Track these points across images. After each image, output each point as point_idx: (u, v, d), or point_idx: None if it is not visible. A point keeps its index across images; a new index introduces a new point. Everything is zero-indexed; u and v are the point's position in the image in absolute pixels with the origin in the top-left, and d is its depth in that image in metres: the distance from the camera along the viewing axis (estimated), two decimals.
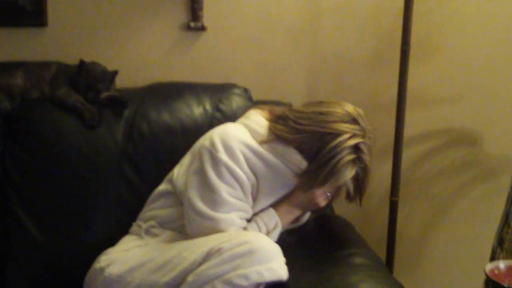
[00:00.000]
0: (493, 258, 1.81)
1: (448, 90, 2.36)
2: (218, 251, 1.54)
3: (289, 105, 2.15)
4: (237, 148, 1.70)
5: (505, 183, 2.28)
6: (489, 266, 1.63)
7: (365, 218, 2.47)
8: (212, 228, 1.66)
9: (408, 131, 2.26)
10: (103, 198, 1.97)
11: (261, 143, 1.75)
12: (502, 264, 1.65)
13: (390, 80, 2.29)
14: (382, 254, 2.28)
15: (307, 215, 1.96)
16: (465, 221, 2.48)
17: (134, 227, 1.87)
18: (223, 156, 1.69)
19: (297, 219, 1.89)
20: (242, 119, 1.86)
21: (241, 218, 1.71)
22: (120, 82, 2.13)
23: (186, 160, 1.83)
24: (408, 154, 2.35)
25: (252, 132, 1.78)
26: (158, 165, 1.98)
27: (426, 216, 2.51)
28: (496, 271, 1.62)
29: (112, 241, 1.85)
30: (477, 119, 2.37)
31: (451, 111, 2.38)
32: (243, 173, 1.70)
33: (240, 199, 1.71)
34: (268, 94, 2.31)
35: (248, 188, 1.73)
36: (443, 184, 2.46)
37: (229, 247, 1.54)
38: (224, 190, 1.68)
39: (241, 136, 1.74)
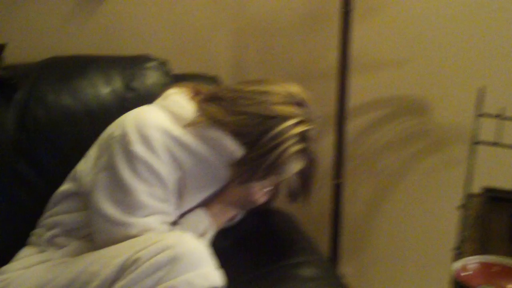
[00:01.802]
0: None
1: (394, 54, 2.15)
2: (135, 262, 1.28)
3: (215, 80, 1.92)
4: (156, 138, 1.43)
5: (457, 154, 2.17)
6: (456, 265, 1.40)
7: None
8: (125, 235, 1.39)
9: (350, 101, 2.04)
10: None
11: (186, 127, 1.48)
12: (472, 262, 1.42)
13: (329, 44, 2.07)
14: (325, 241, 2.11)
15: (242, 212, 1.69)
16: (415, 196, 2.30)
17: (33, 237, 1.58)
18: (138, 148, 1.41)
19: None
20: (160, 100, 1.57)
21: (162, 223, 1.44)
22: (9, 57, 1.83)
23: (92, 152, 1.54)
24: (350, 127, 2.15)
25: (173, 115, 1.50)
26: (60, 159, 1.69)
27: (372, 194, 2.33)
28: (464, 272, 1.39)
29: (7, 255, 1.55)
30: (426, 85, 2.16)
31: (398, 77, 2.17)
32: (164, 168, 1.43)
33: (161, 200, 1.44)
34: (189, 66, 2.06)
35: (171, 185, 1.46)
36: (390, 158, 2.26)
37: (147, 256, 1.27)
38: (140, 190, 1.41)
39: (159, 122, 1.46)
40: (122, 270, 1.28)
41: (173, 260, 1.26)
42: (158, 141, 1.42)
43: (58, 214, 1.55)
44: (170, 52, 2.01)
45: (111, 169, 1.42)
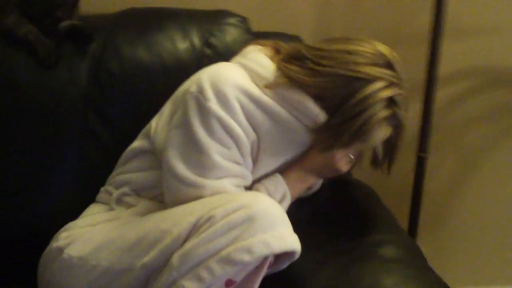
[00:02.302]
0: None
1: (493, 20, 2.00)
2: (209, 220, 1.21)
3: (298, 39, 1.79)
4: (233, 96, 1.33)
5: None
6: None
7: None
8: (198, 197, 1.31)
9: (440, 68, 1.89)
10: (64, 157, 1.61)
11: (266, 88, 1.38)
12: None
13: (422, 3, 1.92)
14: (404, 215, 1.99)
15: (320, 181, 1.59)
16: (503, 176, 2.17)
17: (102, 194, 1.53)
18: (214, 105, 1.32)
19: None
20: (239, 58, 1.47)
21: (236, 186, 1.36)
22: (85, 7, 1.75)
23: (166, 109, 1.46)
24: (438, 96, 1.97)
25: (253, 74, 1.40)
26: (133, 115, 1.62)
27: (456, 170, 2.20)
28: None
29: (76, 211, 1.51)
30: None
31: (495, 45, 2.02)
32: (240, 128, 1.34)
33: (235, 162, 1.36)
34: (270, 24, 1.93)
35: (247, 148, 1.37)
36: (478, 133, 2.13)
37: (223, 214, 1.21)
38: (214, 150, 1.32)
39: (238, 80, 1.36)
40: (196, 228, 1.22)
41: (249, 219, 1.20)
42: (235, 100, 1.34)
43: (128, 172, 1.49)
44: (250, 9, 1.90)
45: (185, 126, 1.34)
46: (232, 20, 1.73)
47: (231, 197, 1.26)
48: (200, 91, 1.33)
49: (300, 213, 1.45)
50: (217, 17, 1.73)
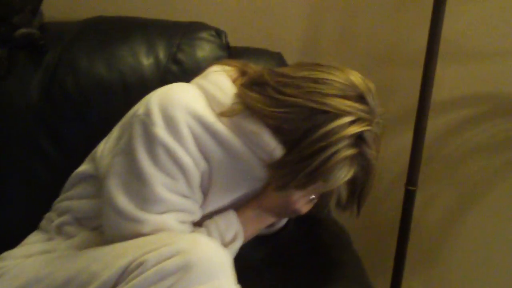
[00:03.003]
0: None
1: (495, 43, 1.84)
2: (140, 266, 1.09)
3: (279, 58, 1.68)
4: (183, 121, 1.20)
5: None
6: None
7: (374, 199, 1.99)
8: (137, 233, 1.19)
9: (437, 93, 1.76)
10: (9, 177, 1.51)
11: (221, 115, 1.25)
12: None
13: (418, 25, 1.78)
14: (391, 250, 1.86)
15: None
16: (502, 213, 2.01)
17: (45, 221, 1.41)
18: (161, 131, 1.19)
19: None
20: (199, 79, 1.34)
21: (182, 222, 1.23)
22: (50, 13, 1.66)
23: (115, 132, 1.34)
24: (433, 124, 1.87)
25: (210, 98, 1.27)
26: (87, 135, 1.49)
27: (450, 205, 2.05)
28: None
29: (21, 236, 1.39)
30: None
31: (497, 70, 1.87)
32: (189, 157, 1.21)
33: (182, 195, 1.23)
34: (252, 39, 1.82)
35: (196, 179, 1.24)
36: (477, 165, 1.97)
37: (156, 260, 1.08)
38: (158, 181, 1.19)
39: (190, 104, 1.23)
40: (126, 274, 1.10)
41: (184, 268, 1.07)
42: (186, 126, 1.20)
43: (72, 198, 1.38)
44: (230, 21, 1.80)
45: (128, 153, 1.21)
46: (204, 34, 1.61)
47: (168, 240, 1.13)
48: (147, 114, 1.21)
49: (256, 253, 1.35)
50: (188, 30, 1.61)
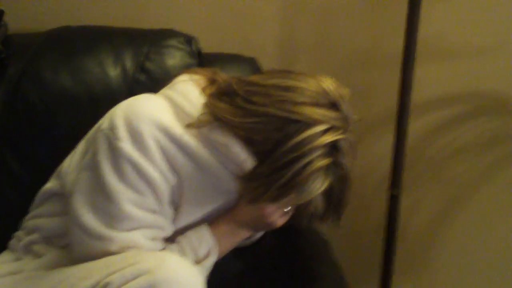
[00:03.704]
0: None
1: (475, 39, 1.80)
2: None
3: (253, 63, 1.64)
4: (149, 134, 1.16)
5: None
6: None
7: (358, 206, 1.97)
8: (104, 251, 1.15)
9: (418, 94, 1.72)
10: None
11: (189, 127, 1.20)
12: None
13: (395, 26, 1.73)
14: (378, 255, 1.81)
15: None
16: (490, 214, 1.97)
17: (14, 240, 1.36)
18: (126, 145, 1.15)
19: None
20: (166, 90, 1.29)
21: (152, 239, 1.18)
22: (15, 25, 1.62)
23: (80, 147, 1.30)
24: (416, 126, 1.84)
25: (177, 109, 1.22)
26: (54, 152, 1.41)
27: (437, 208, 2.00)
28: None
29: None
30: None
31: (479, 68, 1.82)
32: (156, 172, 1.17)
33: (151, 211, 1.18)
34: (225, 44, 1.78)
35: (165, 194, 1.19)
36: (462, 166, 1.93)
37: (120, 281, 1.04)
38: (125, 197, 1.15)
39: (156, 116, 1.18)
40: None
41: None
42: (152, 139, 1.16)
43: (39, 216, 1.33)
44: (202, 27, 1.75)
45: (93, 169, 1.17)
46: (173, 41, 1.57)
47: (133, 259, 1.08)
48: (112, 128, 1.16)
49: (232, 267, 1.31)
50: (156, 37, 1.56)
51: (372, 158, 1.90)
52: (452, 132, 1.89)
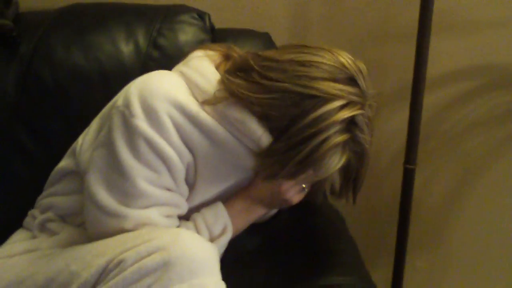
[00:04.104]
0: None
1: (490, 12, 1.76)
2: (119, 265, 1.04)
3: (267, 39, 1.61)
4: (164, 111, 1.14)
5: None
6: None
7: (373, 180, 1.94)
8: (119, 229, 1.14)
9: (433, 68, 1.70)
10: None
11: (204, 104, 1.18)
12: None
13: None
14: (394, 230, 1.79)
15: None
16: (504, 187, 1.95)
17: (28, 218, 1.36)
18: (141, 122, 1.13)
19: None
20: (181, 65, 1.27)
21: (167, 216, 1.18)
22: (27, 2, 1.61)
23: (94, 124, 1.29)
24: (431, 100, 1.81)
25: (192, 86, 1.20)
26: (67, 129, 1.44)
27: (452, 182, 1.97)
28: None
29: (4, 235, 1.34)
30: None
31: (494, 41, 1.78)
32: (172, 149, 1.15)
33: (166, 188, 1.17)
34: (238, 19, 1.75)
35: (181, 172, 1.18)
36: (477, 140, 1.90)
37: (135, 258, 1.03)
38: (141, 175, 1.14)
39: (171, 93, 1.16)
40: (105, 273, 1.06)
41: (164, 265, 1.02)
42: (167, 116, 1.14)
43: (54, 194, 1.33)
44: (213, 2, 1.73)
45: (109, 146, 1.16)
46: (186, 17, 1.54)
47: (148, 236, 1.07)
48: (127, 105, 1.14)
49: (247, 243, 1.29)
50: (169, 13, 1.54)
51: (387, 133, 1.89)
52: (467, 106, 1.87)
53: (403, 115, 1.67)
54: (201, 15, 1.56)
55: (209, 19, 1.59)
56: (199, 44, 1.47)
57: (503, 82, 1.83)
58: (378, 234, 2.02)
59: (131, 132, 1.13)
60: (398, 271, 1.82)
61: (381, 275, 1.98)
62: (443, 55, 1.80)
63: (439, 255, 2.08)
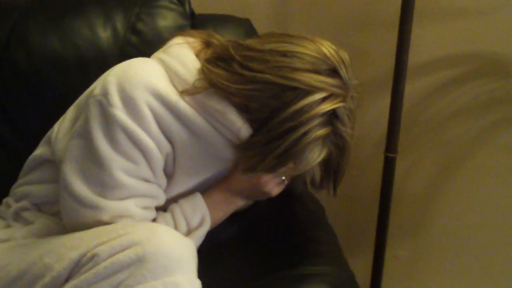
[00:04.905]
0: None
1: (476, 1, 1.74)
2: (92, 259, 1.03)
3: (247, 23, 1.58)
4: (143, 101, 1.12)
5: None
6: None
7: (354, 168, 1.92)
8: (95, 220, 1.12)
9: (415, 56, 1.69)
10: None
11: (184, 93, 1.15)
12: None
13: None
14: (374, 218, 1.78)
15: None
16: (486, 176, 1.94)
17: (3, 207, 1.33)
18: (119, 112, 1.11)
19: None
20: (160, 53, 1.24)
21: (144, 207, 1.16)
22: None
23: (69, 112, 1.26)
24: (412, 88, 1.80)
25: (172, 74, 1.18)
26: (43, 116, 1.41)
27: (433, 171, 1.97)
28: None
29: None
30: None
31: (477, 29, 1.77)
32: (150, 139, 1.13)
33: (144, 179, 1.15)
34: (218, 5, 1.73)
35: (159, 162, 1.16)
36: (459, 129, 1.89)
37: (109, 252, 1.02)
38: (118, 165, 1.12)
39: (151, 82, 1.13)
40: (78, 267, 1.05)
41: (138, 261, 1.01)
42: (146, 105, 1.12)
43: (29, 183, 1.30)
44: None
45: (85, 136, 1.13)
46: (165, 2, 1.51)
47: (124, 230, 1.05)
48: (104, 94, 1.12)
49: (226, 231, 1.29)
50: None
51: (368, 121, 1.87)
52: (450, 94, 1.85)
53: (385, 103, 1.66)
54: (181, 0, 1.54)
55: (189, 4, 1.56)
56: (178, 30, 1.45)
57: (486, 71, 1.81)
58: (358, 222, 2.02)
59: (109, 122, 1.11)
60: (378, 260, 1.82)
61: (362, 264, 1.97)
62: (426, 42, 1.78)
63: (419, 243, 2.08)
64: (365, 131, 1.89)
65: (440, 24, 1.77)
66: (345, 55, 1.14)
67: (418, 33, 1.66)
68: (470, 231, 2.02)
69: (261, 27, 1.61)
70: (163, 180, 1.19)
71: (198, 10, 1.59)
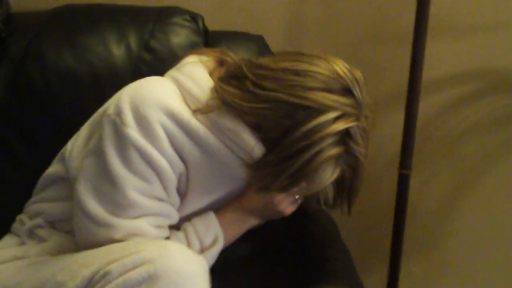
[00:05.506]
0: None
1: (487, 15, 1.75)
2: (104, 277, 1.02)
3: (261, 41, 1.59)
4: (156, 120, 1.12)
5: None
6: None
7: (368, 185, 1.85)
8: (108, 239, 1.12)
9: (429, 72, 1.66)
10: None
11: (196, 112, 1.16)
12: None
13: (406, 1, 1.69)
14: (388, 235, 1.77)
15: None
16: (501, 193, 1.92)
17: (17, 224, 1.34)
18: (133, 131, 1.11)
19: None
20: (173, 71, 1.24)
21: (157, 226, 1.16)
22: (19, 3, 1.60)
23: (83, 130, 1.26)
24: (427, 104, 1.79)
25: (185, 93, 1.18)
26: (57, 132, 1.39)
27: (448, 187, 1.95)
28: None
29: None
30: None
31: (491, 45, 1.76)
32: (164, 159, 1.13)
33: (157, 198, 1.15)
34: (231, 22, 1.72)
35: (172, 181, 1.16)
36: (474, 144, 1.88)
37: (120, 270, 1.02)
38: (131, 184, 1.12)
39: (164, 101, 1.14)
40: (90, 285, 1.04)
41: (150, 279, 1.00)
42: (159, 125, 1.12)
43: (43, 201, 1.31)
44: (207, 4, 1.69)
45: (99, 155, 1.13)
46: (178, 19, 1.52)
47: (135, 248, 1.05)
48: (118, 114, 1.12)
49: (239, 249, 1.28)
50: (161, 15, 1.52)
51: (382, 137, 1.86)
52: (464, 110, 1.84)
53: (399, 119, 1.65)
54: (194, 17, 1.54)
55: (203, 21, 1.57)
56: (192, 47, 1.46)
57: (500, 86, 1.81)
58: (372, 239, 2.00)
59: (122, 141, 1.11)
60: (393, 277, 1.80)
61: (376, 281, 1.96)
62: (440, 58, 1.77)
63: (434, 260, 2.06)
64: (379, 147, 1.88)
65: (454, 39, 1.77)
66: (358, 74, 1.14)
67: (432, 49, 1.64)
68: (485, 248, 2.00)
69: (274, 43, 1.62)
70: (176, 199, 1.19)
71: (211, 27, 1.60)
